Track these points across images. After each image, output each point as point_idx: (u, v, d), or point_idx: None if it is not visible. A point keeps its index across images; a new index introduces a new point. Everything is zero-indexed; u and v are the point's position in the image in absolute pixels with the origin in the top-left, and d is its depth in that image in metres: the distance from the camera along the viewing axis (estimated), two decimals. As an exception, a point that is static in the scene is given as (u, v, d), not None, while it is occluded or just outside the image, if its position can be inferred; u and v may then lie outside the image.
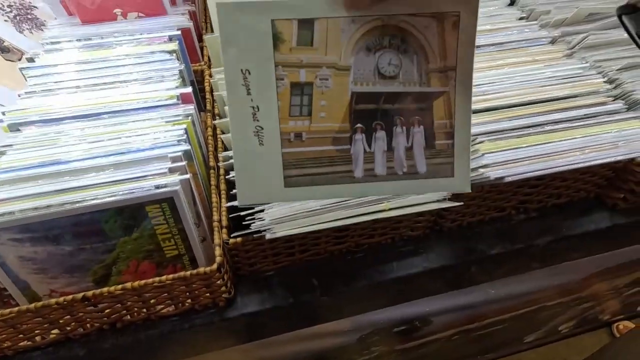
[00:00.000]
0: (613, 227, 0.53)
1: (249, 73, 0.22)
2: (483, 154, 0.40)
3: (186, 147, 0.40)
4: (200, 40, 0.64)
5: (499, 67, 0.49)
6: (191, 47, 0.61)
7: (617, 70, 0.50)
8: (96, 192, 0.36)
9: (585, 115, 0.44)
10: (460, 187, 0.25)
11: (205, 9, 0.68)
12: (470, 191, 0.26)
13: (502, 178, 0.38)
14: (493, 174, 0.38)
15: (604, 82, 0.48)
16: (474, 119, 0.44)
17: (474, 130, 0.42)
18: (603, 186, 0.52)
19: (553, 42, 0.54)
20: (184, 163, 0.39)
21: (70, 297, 0.36)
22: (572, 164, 0.40)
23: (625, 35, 0.56)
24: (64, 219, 0.35)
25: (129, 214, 0.36)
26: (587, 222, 0.53)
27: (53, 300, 0.36)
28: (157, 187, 0.36)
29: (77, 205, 0.35)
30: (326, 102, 0.22)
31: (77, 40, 0.55)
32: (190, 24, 0.59)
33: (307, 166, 0.24)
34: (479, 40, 0.53)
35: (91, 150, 0.40)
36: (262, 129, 0.23)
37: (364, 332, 0.76)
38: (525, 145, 0.41)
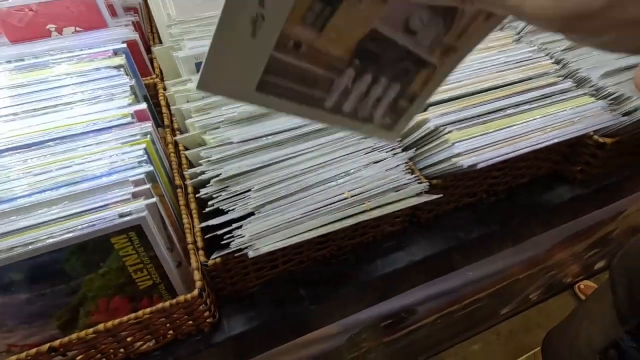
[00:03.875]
0: (574, 199, 0.56)
1: None
2: (453, 144, 0.40)
3: (148, 168, 0.37)
4: (149, 52, 0.60)
5: (457, 57, 0.50)
6: (139, 60, 0.57)
7: (562, 51, 0.53)
8: (51, 230, 0.32)
9: (541, 96, 0.46)
10: (391, 138, 0.27)
11: (150, 18, 0.64)
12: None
13: (474, 165, 0.39)
14: (465, 162, 0.39)
15: (552, 63, 0.51)
16: (441, 109, 0.44)
17: (442, 120, 0.43)
18: (561, 162, 0.55)
19: (502, 28, 0.57)
20: (148, 186, 0.36)
21: (33, 350, 0.32)
22: (536, 144, 0.41)
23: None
24: (15, 265, 0.31)
25: (93, 249, 0.33)
26: (550, 197, 0.56)
27: (13, 358, 0.31)
28: (122, 215, 0.33)
29: (30, 247, 0.31)
30: (344, 24, 0.19)
31: (7, 62, 0.49)
32: (135, 36, 0.55)
33: (287, 78, 0.22)
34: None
35: (38, 184, 0.36)
36: (264, 18, 0.18)
37: (353, 332, 0.76)
38: (491, 130, 0.42)
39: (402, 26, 0.20)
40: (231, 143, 0.41)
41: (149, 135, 0.41)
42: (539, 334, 0.84)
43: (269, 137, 0.42)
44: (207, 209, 0.37)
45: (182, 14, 0.58)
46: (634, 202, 0.94)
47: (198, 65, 0.49)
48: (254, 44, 0.19)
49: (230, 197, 0.38)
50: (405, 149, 0.43)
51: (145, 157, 0.38)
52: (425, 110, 0.44)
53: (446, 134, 0.42)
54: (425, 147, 0.44)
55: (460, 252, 0.54)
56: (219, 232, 0.36)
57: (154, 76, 0.57)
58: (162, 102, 0.53)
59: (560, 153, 0.54)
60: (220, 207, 0.37)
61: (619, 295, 0.59)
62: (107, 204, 0.34)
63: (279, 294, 0.43)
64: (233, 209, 0.37)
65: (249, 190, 0.38)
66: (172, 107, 0.47)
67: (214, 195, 0.38)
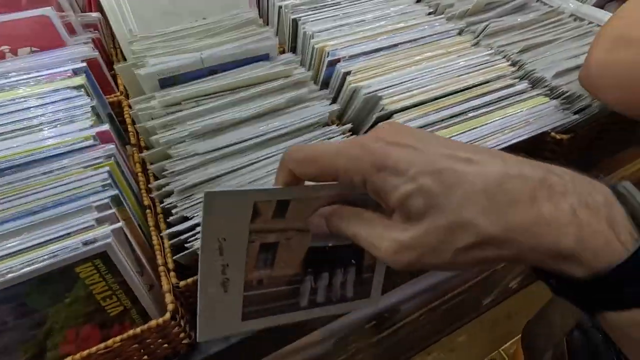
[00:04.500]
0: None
1: (225, 240, 0.24)
2: (418, 149, 0.42)
3: (113, 191, 0.37)
4: (112, 69, 0.59)
5: (418, 63, 0.52)
6: (102, 78, 0.56)
7: (517, 53, 0.56)
8: (10, 264, 0.31)
9: (498, 98, 0.48)
10: (373, 304, 0.32)
11: (112, 34, 0.62)
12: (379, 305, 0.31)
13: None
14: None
15: (509, 65, 0.53)
16: (405, 115, 0.45)
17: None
18: (525, 157, 0.58)
19: (460, 32, 0.59)
20: (113, 210, 0.35)
21: (-2, 389, 0.31)
22: (496, 145, 0.43)
23: (519, 20, 0.62)
24: (-28, 303, 0.30)
25: (56, 280, 0.32)
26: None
27: (-24, 399, 0.30)
28: (86, 243, 0.32)
29: (-12, 283, 0.30)
30: (287, 255, 0.26)
31: (-43, 87, 0.47)
32: (96, 54, 0.54)
33: (263, 303, 0.28)
34: (395, 39, 0.55)
35: (-4, 215, 0.35)
36: (228, 280, 0.26)
37: (339, 336, 0.76)
38: (455, 134, 0.44)
39: (325, 234, 0.26)
40: (196, 154, 0.41)
41: (112, 157, 0.40)
42: (522, 321, 0.87)
43: (233, 146, 0.42)
44: (170, 218, 0.37)
45: (144, 29, 0.57)
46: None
47: (161, 82, 0.48)
48: (228, 296, 0.26)
49: (194, 205, 0.38)
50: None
51: (109, 181, 0.38)
52: (390, 117, 0.45)
53: (410, 140, 0.43)
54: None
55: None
56: (182, 237, 0.36)
57: (118, 94, 0.56)
58: (128, 120, 0.52)
59: (523, 150, 0.56)
60: (185, 215, 0.37)
61: None
62: (70, 233, 0.33)
63: (256, 308, 0.43)
64: (198, 215, 0.37)
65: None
66: (137, 126, 0.47)
67: (178, 204, 0.38)
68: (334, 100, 0.52)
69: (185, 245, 0.36)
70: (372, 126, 0.46)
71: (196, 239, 0.37)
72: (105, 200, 0.36)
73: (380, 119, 0.45)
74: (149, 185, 0.41)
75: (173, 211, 0.37)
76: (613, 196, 0.18)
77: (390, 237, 0.19)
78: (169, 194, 0.39)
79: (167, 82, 0.48)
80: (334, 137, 0.44)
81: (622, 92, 0.36)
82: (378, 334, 0.97)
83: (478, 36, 0.58)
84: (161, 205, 0.39)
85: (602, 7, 0.66)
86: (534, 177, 0.18)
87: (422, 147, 0.19)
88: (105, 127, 0.43)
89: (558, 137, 0.52)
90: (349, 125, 0.46)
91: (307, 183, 0.24)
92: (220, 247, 0.25)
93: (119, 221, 0.35)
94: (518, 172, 0.18)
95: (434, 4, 0.64)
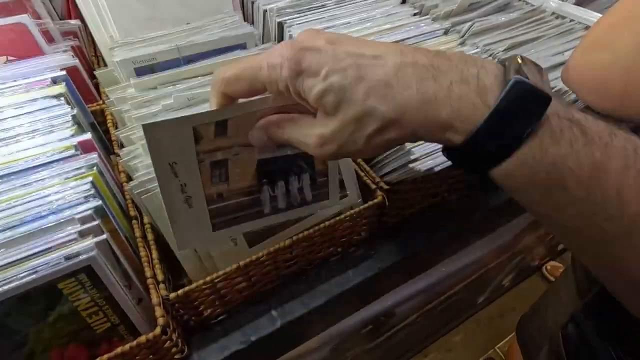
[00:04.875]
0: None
1: (176, 164, 0.27)
2: (409, 149, 0.41)
3: (96, 202, 0.35)
4: (94, 77, 0.58)
5: (406, 63, 0.51)
6: (83, 86, 0.54)
7: (503, 50, 0.56)
8: (-14, 283, 0.29)
9: (487, 95, 0.48)
10: (333, 205, 0.34)
11: (93, 41, 0.61)
12: (339, 209, 0.42)
13: (431, 169, 0.40)
14: (422, 166, 0.39)
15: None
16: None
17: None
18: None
19: (446, 32, 0.59)
20: (97, 222, 0.34)
21: (-25, 418, 0.29)
22: (487, 143, 0.43)
23: (502, 19, 0.63)
24: (-54, 326, 0.28)
25: (37, 299, 0.30)
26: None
27: None
28: (68, 257, 0.31)
29: (-38, 305, 0.28)
30: (239, 169, 0.29)
31: None
32: (75, 61, 0.52)
33: (228, 213, 0.30)
34: (382, 40, 0.55)
35: (-29, 232, 0.33)
36: (190, 197, 0.29)
37: (335, 342, 0.75)
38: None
39: (273, 147, 0.28)
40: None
41: (95, 167, 0.38)
42: (516, 317, 0.87)
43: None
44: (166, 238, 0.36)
45: (125, 36, 0.56)
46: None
47: (137, 70, 0.47)
48: (194, 210, 0.29)
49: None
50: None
51: (92, 192, 0.36)
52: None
53: (402, 140, 0.42)
54: (384, 154, 0.44)
55: (431, 251, 0.55)
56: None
57: (100, 102, 0.55)
58: (112, 129, 0.50)
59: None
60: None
61: (577, 270, 0.62)
62: (51, 247, 0.31)
63: (250, 318, 0.42)
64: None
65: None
66: (112, 109, 0.45)
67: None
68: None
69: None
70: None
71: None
72: (89, 212, 0.34)
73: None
74: (125, 187, 0.40)
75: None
76: (498, 68, 0.20)
77: (314, 133, 0.22)
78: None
79: (144, 71, 0.47)
80: None
81: (596, 94, 0.37)
82: (375, 339, 0.96)
83: (464, 35, 0.59)
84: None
85: (581, 5, 0.68)
86: (424, 62, 0.20)
87: (333, 48, 0.21)
88: (87, 136, 0.41)
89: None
90: None
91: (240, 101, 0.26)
92: (173, 170, 0.27)
93: (103, 233, 0.33)
94: (412, 60, 0.20)
95: (419, 5, 0.65)
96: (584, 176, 0.19)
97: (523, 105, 0.19)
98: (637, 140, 0.20)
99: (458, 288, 1.07)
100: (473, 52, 0.54)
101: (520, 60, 0.21)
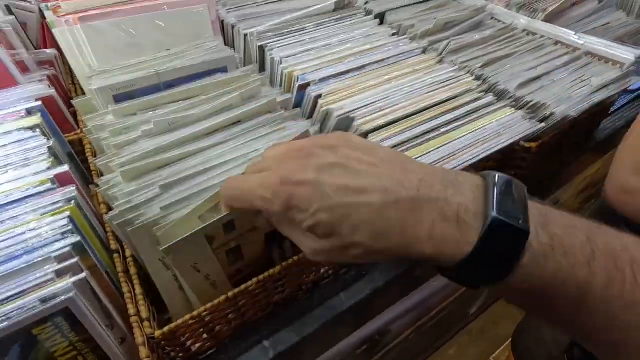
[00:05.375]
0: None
1: (196, 264, 0.33)
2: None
3: (75, 238, 0.33)
4: (71, 106, 0.56)
5: (387, 82, 0.52)
6: (60, 116, 0.53)
7: (480, 67, 0.58)
8: (-47, 334, 0.27)
9: (467, 112, 0.49)
10: None
11: (70, 70, 0.60)
12: None
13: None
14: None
15: (474, 79, 0.55)
16: (382, 134, 0.45)
17: (385, 144, 0.44)
18: (498, 167, 0.59)
19: (424, 51, 0.60)
20: (75, 259, 0.32)
21: None
22: (472, 159, 0.43)
23: (477, 37, 0.65)
24: None
25: (10, 345, 0.28)
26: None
27: None
28: (44, 300, 0.29)
29: None
30: (250, 247, 0.37)
31: None
32: (51, 91, 0.51)
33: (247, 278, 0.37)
34: (363, 60, 0.56)
35: (-63, 277, 0.30)
36: (215, 281, 0.36)
37: (330, 366, 0.73)
38: (431, 149, 0.44)
39: None
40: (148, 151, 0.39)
41: (73, 201, 0.37)
42: (509, 326, 0.87)
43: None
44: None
45: (103, 64, 0.55)
46: (565, 192, 1.03)
47: (116, 97, 0.46)
48: (219, 290, 0.36)
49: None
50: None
51: (70, 227, 0.34)
52: (365, 137, 0.45)
53: (388, 159, 0.42)
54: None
55: (421, 267, 0.55)
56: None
57: (79, 131, 0.53)
58: (90, 158, 0.49)
59: (495, 160, 0.57)
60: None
61: None
62: (26, 290, 0.30)
63: (242, 350, 0.40)
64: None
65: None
66: (90, 137, 0.44)
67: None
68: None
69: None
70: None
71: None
72: (66, 249, 0.32)
73: (356, 140, 0.45)
74: (105, 217, 0.38)
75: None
76: (477, 197, 0.22)
77: (307, 244, 0.25)
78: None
79: (123, 98, 0.46)
80: (285, 121, 0.44)
81: None
82: (370, 358, 0.94)
83: (441, 54, 0.60)
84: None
85: (549, 22, 0.71)
86: (407, 197, 0.22)
87: (320, 182, 0.23)
88: (65, 168, 0.39)
89: (527, 145, 0.53)
90: (297, 110, 0.46)
91: None
92: (196, 268, 0.32)
93: (82, 271, 0.31)
94: (394, 199, 0.22)
95: (396, 26, 0.66)
96: (570, 297, 0.21)
97: (502, 241, 0.20)
98: (617, 244, 0.22)
99: (448, 301, 1.07)
100: (451, 69, 0.56)
101: (496, 181, 0.22)
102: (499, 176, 0.23)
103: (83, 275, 0.31)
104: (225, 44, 0.67)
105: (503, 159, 0.57)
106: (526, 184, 0.63)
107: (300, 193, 0.23)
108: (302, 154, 0.24)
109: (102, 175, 0.41)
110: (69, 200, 0.37)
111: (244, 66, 0.65)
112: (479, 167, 0.54)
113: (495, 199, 0.21)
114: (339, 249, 0.23)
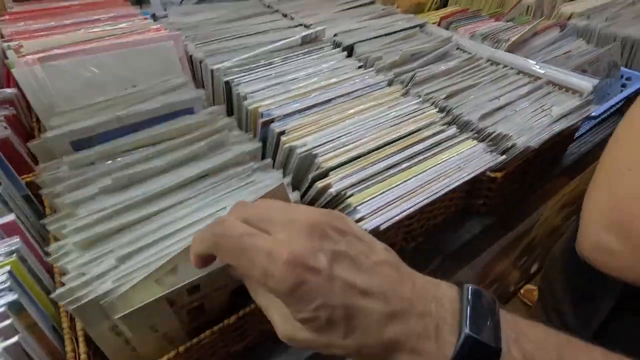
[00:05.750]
0: (482, 230, 0.59)
1: (156, 324, 0.33)
2: (356, 207, 0.41)
3: (12, 296, 0.32)
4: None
5: (351, 116, 0.52)
6: (17, 158, 0.51)
7: (444, 98, 0.59)
8: None
9: (431, 145, 0.49)
10: None
11: (30, 109, 0.59)
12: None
13: (378, 227, 0.39)
14: (368, 225, 0.39)
15: (437, 111, 0.55)
16: (342, 171, 0.45)
17: (343, 183, 0.43)
18: (466, 197, 0.59)
19: (390, 83, 0.61)
20: (9, 321, 0.30)
21: None
22: (432, 195, 0.43)
23: (442, 68, 0.66)
24: None
25: None
26: (463, 232, 0.59)
27: None
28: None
29: None
30: (213, 303, 0.36)
31: None
32: (7, 132, 0.50)
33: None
34: (328, 94, 0.56)
35: None
36: (173, 337, 0.35)
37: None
38: (392, 185, 0.44)
39: None
40: (104, 210, 0.37)
41: (15, 254, 0.35)
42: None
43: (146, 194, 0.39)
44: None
45: (65, 102, 0.54)
46: (544, 210, 1.04)
47: (75, 144, 0.45)
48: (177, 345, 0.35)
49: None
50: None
51: (8, 283, 0.32)
52: (326, 175, 0.45)
53: (348, 197, 0.42)
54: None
55: None
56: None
57: (37, 172, 0.52)
58: (46, 202, 0.47)
59: (462, 190, 0.57)
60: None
61: (544, 299, 0.62)
62: (-51, 359, 0.27)
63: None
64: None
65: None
66: (42, 192, 0.42)
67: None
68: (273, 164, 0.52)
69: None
70: (309, 186, 0.45)
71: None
72: (2, 309, 0.30)
73: (316, 179, 0.44)
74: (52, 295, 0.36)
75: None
76: (454, 312, 0.23)
77: (285, 327, 0.23)
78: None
79: (82, 144, 0.45)
80: (254, 172, 0.43)
81: (616, 272, 0.36)
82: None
83: (407, 85, 0.61)
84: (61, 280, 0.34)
85: (512, 52, 0.73)
86: (400, 313, 0.22)
87: (333, 275, 0.22)
88: (10, 217, 0.38)
89: (492, 175, 0.54)
90: (268, 161, 0.45)
91: None
92: (154, 329, 0.31)
93: (17, 333, 0.30)
94: (391, 311, 0.22)
95: (364, 58, 0.68)
96: None
97: (476, 357, 0.21)
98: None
99: None
100: (415, 101, 0.56)
101: (468, 295, 0.23)
102: (470, 289, 0.23)
103: (15, 339, 0.29)
104: (194, 79, 0.68)
105: (470, 189, 0.58)
106: (497, 210, 0.63)
107: (310, 282, 0.21)
108: (316, 233, 0.23)
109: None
110: (10, 254, 0.35)
111: (213, 102, 0.65)
112: (446, 198, 0.53)
113: (467, 315, 0.22)
114: (320, 345, 0.22)
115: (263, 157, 0.51)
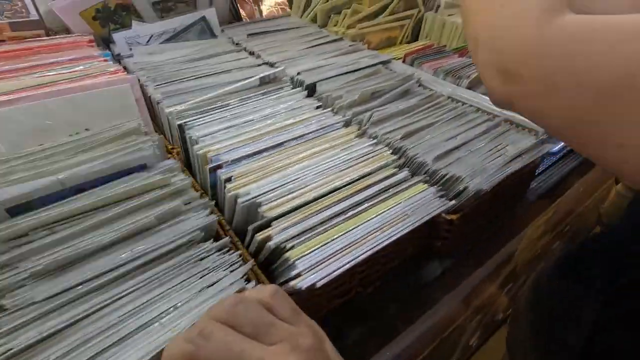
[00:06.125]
0: (445, 271, 0.58)
1: None
2: (294, 262, 0.39)
3: None
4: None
5: (302, 160, 0.52)
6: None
7: (400, 139, 0.58)
8: None
9: (379, 190, 0.48)
10: None
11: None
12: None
13: (313, 284, 0.37)
14: (304, 283, 0.37)
15: (391, 153, 0.55)
16: (284, 222, 0.43)
17: (283, 235, 0.42)
18: (426, 237, 0.58)
19: (347, 124, 0.61)
20: None
21: None
22: (375, 246, 0.42)
23: (400, 106, 0.67)
24: None
25: None
26: (424, 274, 0.57)
27: None
28: None
29: None
30: None
31: None
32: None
33: None
34: (281, 137, 0.55)
35: None
36: None
37: None
38: (333, 237, 0.42)
39: None
40: (33, 303, 0.35)
41: None
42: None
43: (83, 285, 0.36)
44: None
45: (13, 148, 0.53)
46: (516, 244, 1.02)
47: (11, 210, 0.43)
48: None
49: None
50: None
51: None
52: (268, 225, 0.43)
53: (288, 250, 0.40)
54: (274, 266, 0.42)
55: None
56: None
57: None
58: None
59: (421, 232, 0.56)
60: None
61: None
62: None
63: None
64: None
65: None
66: None
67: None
68: (221, 211, 0.50)
69: None
70: (251, 239, 0.43)
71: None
72: None
73: (258, 229, 0.43)
74: None
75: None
76: None
77: None
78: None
79: (19, 209, 0.43)
80: (207, 256, 0.41)
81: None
82: None
83: (364, 126, 0.61)
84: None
85: (472, 89, 0.74)
86: None
87: None
88: None
89: (448, 217, 0.53)
90: (226, 239, 0.43)
91: None
92: None
93: None
94: None
95: (325, 97, 0.68)
96: None
97: None
98: None
99: (425, 354, 1.01)
100: (369, 143, 0.56)
101: None
102: None
103: None
104: (154, 120, 0.67)
105: (428, 230, 0.56)
106: (459, 250, 0.61)
107: None
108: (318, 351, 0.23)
109: None
110: None
111: (172, 142, 0.64)
112: (400, 242, 0.52)
113: None
114: None
115: (216, 202, 0.50)
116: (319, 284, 0.37)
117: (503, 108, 0.33)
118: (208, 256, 0.41)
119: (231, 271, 0.39)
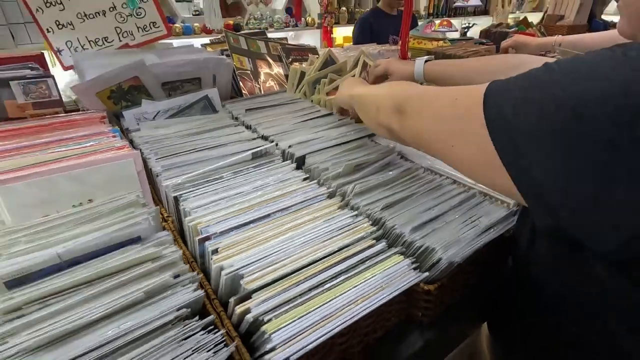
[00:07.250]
0: (426, 343, 0.58)
1: None
2: (270, 335, 0.41)
3: None
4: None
5: (284, 233, 0.55)
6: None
7: (380, 210, 0.62)
8: None
9: (357, 262, 0.51)
10: None
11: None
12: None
13: (288, 358, 0.39)
14: (279, 357, 0.39)
15: (370, 224, 0.58)
16: (264, 294, 0.46)
17: (262, 308, 0.44)
18: (406, 308, 0.59)
19: (331, 196, 0.65)
20: None
21: None
22: (348, 319, 0.43)
23: (381, 178, 0.72)
24: None
25: None
26: (405, 345, 0.57)
27: None
28: None
29: None
30: None
31: None
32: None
33: None
34: (268, 209, 0.60)
35: None
36: None
37: None
38: (310, 310, 0.44)
39: None
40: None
41: None
42: None
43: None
44: None
45: (19, 219, 0.57)
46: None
47: (9, 283, 0.46)
48: None
49: None
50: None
51: None
52: (248, 297, 0.45)
53: (265, 323, 0.42)
54: (253, 338, 0.43)
55: None
56: None
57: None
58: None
59: (400, 302, 0.57)
60: None
61: None
62: None
63: None
64: None
65: None
66: None
67: None
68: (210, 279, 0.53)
69: None
70: (232, 310, 0.45)
71: None
72: None
73: (239, 301, 0.45)
74: None
75: None
76: None
77: None
78: None
79: (17, 281, 0.46)
80: (192, 334, 0.42)
81: None
82: None
83: (347, 197, 0.65)
84: None
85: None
86: None
87: None
88: None
89: (426, 288, 0.54)
90: (211, 318, 0.45)
91: None
92: None
93: None
94: None
95: (313, 169, 0.73)
96: None
97: None
98: None
99: None
100: (350, 214, 0.60)
101: None
102: None
103: None
104: (153, 190, 0.72)
105: (408, 300, 0.58)
106: (441, 320, 0.62)
107: None
108: None
109: None
110: None
111: (169, 211, 0.69)
112: (381, 312, 0.53)
113: None
114: None
115: (205, 270, 0.52)
116: (293, 358, 0.39)
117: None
118: (193, 335, 0.42)
119: (215, 352, 0.41)
